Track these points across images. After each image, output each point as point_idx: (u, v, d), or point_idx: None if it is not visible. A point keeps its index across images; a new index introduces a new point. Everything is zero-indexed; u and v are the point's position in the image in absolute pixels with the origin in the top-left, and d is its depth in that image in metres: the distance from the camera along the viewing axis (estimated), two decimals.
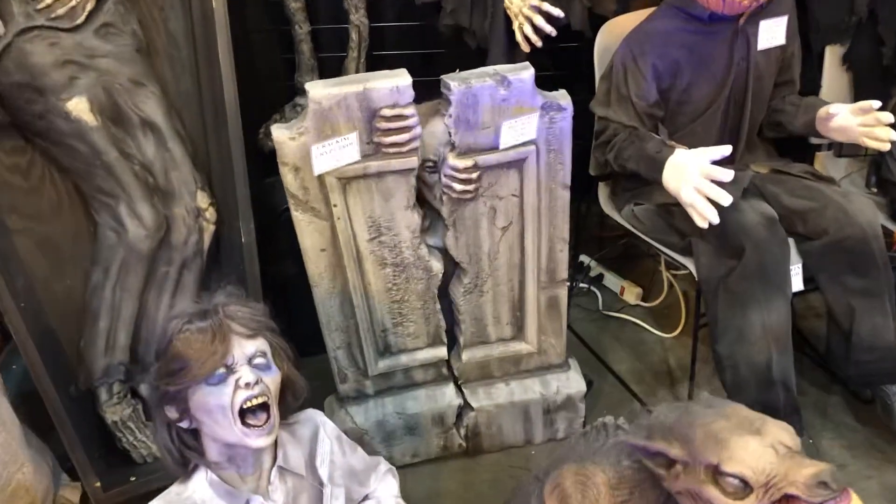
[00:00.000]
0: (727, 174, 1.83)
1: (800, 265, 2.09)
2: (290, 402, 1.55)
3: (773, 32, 2.19)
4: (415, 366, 2.15)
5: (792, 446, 1.24)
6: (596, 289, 3.07)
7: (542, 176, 1.90)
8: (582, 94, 2.29)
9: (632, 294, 3.00)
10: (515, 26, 2.17)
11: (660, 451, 1.32)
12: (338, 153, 1.76)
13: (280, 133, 1.74)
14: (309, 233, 1.88)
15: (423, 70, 2.66)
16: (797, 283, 2.07)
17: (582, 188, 2.55)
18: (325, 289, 1.96)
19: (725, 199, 1.83)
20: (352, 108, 1.72)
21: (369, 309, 2.02)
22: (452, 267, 2.07)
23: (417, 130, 1.78)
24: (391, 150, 1.78)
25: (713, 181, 1.85)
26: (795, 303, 2.43)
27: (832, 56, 2.48)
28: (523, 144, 1.84)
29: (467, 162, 1.81)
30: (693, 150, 1.94)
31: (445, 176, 1.83)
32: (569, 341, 2.63)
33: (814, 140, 2.47)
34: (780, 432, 1.25)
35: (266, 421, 1.42)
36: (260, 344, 1.45)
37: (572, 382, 2.27)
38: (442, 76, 1.78)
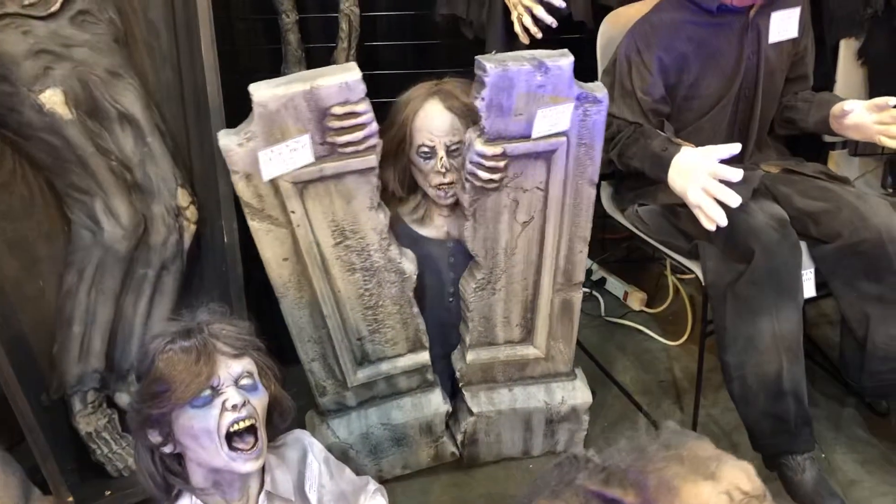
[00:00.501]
0: (736, 174, 1.76)
1: (812, 270, 2.01)
2: (276, 424, 1.51)
3: (785, 25, 2.12)
4: (397, 373, 2.06)
5: (749, 491, 1.12)
6: (598, 294, 3.00)
7: (569, 170, 1.83)
8: None
9: (636, 299, 2.92)
10: (514, 17, 2.10)
11: (615, 498, 1.23)
12: (288, 157, 1.67)
13: (227, 140, 1.65)
14: (268, 242, 1.79)
15: (417, 62, 2.62)
16: (809, 289, 2.00)
17: None
18: (293, 299, 1.88)
19: (734, 200, 1.76)
20: (300, 108, 1.63)
21: (342, 317, 1.93)
22: (461, 260, 2.00)
23: (373, 127, 1.71)
24: (347, 149, 1.70)
25: (721, 181, 1.78)
26: (807, 310, 2.36)
27: (847, 50, 2.40)
28: (555, 135, 1.77)
29: (496, 149, 1.73)
30: (700, 148, 1.87)
31: (471, 163, 1.76)
32: None
33: (827, 138, 2.39)
34: (738, 475, 1.13)
35: (254, 444, 1.39)
36: (246, 364, 1.42)
37: (578, 393, 2.18)
38: (477, 56, 1.70)
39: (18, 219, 1.92)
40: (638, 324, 2.84)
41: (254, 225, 1.76)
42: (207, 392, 1.36)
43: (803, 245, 2.01)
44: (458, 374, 2.12)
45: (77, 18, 1.84)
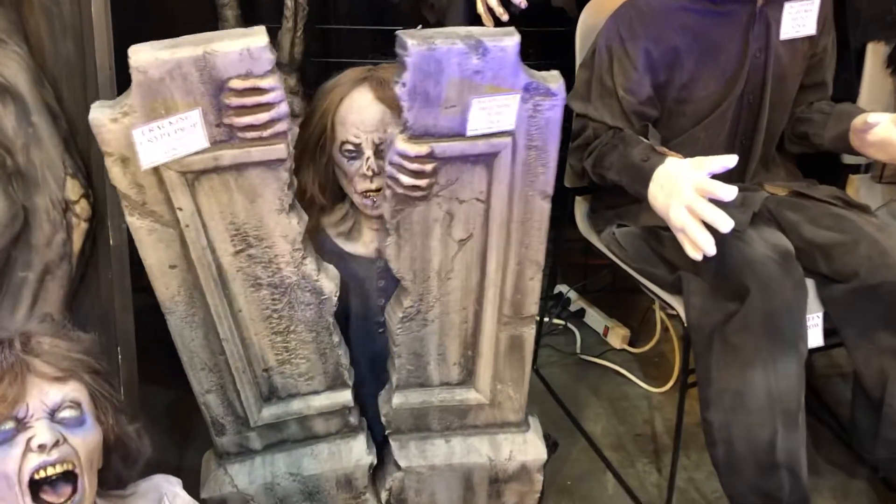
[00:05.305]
0: (729, 191, 1.48)
1: (820, 314, 1.78)
2: (118, 470, 1.25)
3: (800, 19, 1.88)
4: (311, 414, 1.77)
5: None
6: (574, 327, 2.73)
7: (516, 179, 1.55)
8: (570, 88, 1.98)
9: (617, 336, 2.66)
10: None
11: None
12: (174, 139, 1.39)
13: (99, 113, 1.37)
14: (151, 244, 1.51)
15: (376, 49, 2.38)
16: (815, 338, 1.77)
17: (562, 201, 2.21)
18: (182, 317, 1.59)
19: (725, 224, 1.48)
20: (190, 78, 1.35)
21: (243, 343, 1.65)
22: (392, 284, 1.73)
23: (282, 108, 1.42)
24: (248, 134, 1.42)
25: (712, 200, 1.51)
26: (815, 358, 2.20)
27: (875, 56, 2.14)
28: (496, 134, 1.48)
29: (421, 148, 1.45)
30: (688, 159, 1.60)
31: (391, 164, 1.49)
32: (536, 389, 2.33)
33: (847, 159, 2.15)
34: None
35: (70, 496, 1.12)
36: (71, 391, 1.16)
37: (530, 447, 1.88)
38: (398, 31, 1.43)
39: None
40: (617, 364, 2.59)
41: (133, 222, 1.48)
42: (9, 425, 1.11)
43: (810, 283, 1.78)
44: (383, 420, 1.84)
45: None
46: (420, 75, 1.38)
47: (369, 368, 1.84)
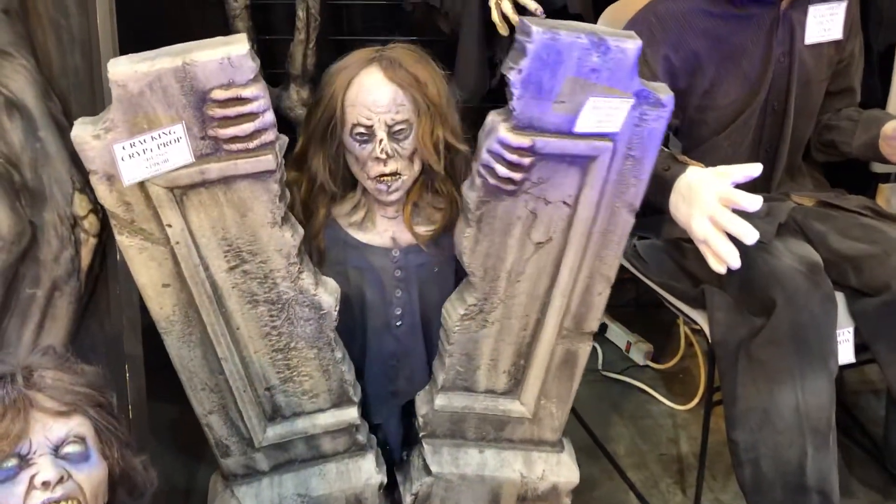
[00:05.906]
0: (753, 201, 1.45)
1: (851, 329, 1.73)
2: (125, 503, 1.25)
3: (826, 23, 1.85)
4: (317, 433, 1.74)
5: None
6: (596, 342, 2.61)
7: (608, 187, 1.52)
8: None
9: (640, 352, 2.62)
10: (492, 2, 1.84)
11: None
12: (157, 154, 1.36)
13: (81, 130, 1.35)
14: (143, 263, 1.48)
15: None
16: (846, 353, 1.71)
17: None
18: (178, 336, 1.57)
19: (750, 236, 1.45)
20: (171, 90, 1.32)
21: (243, 361, 1.62)
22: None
23: (267, 118, 1.38)
24: (234, 146, 1.39)
25: (736, 210, 1.48)
26: (847, 373, 2.14)
27: None
28: (599, 137, 1.47)
29: (523, 140, 1.43)
30: (711, 168, 1.57)
31: (489, 152, 1.46)
32: None
33: (877, 167, 2.10)
34: None
35: None
36: (75, 425, 1.16)
37: (563, 469, 1.84)
38: (521, 16, 1.45)
39: None
40: (640, 381, 2.54)
41: (122, 240, 1.45)
42: (12, 462, 1.10)
43: (840, 297, 1.73)
44: (420, 421, 1.80)
45: None
46: (538, 64, 1.36)
47: (384, 366, 1.82)
